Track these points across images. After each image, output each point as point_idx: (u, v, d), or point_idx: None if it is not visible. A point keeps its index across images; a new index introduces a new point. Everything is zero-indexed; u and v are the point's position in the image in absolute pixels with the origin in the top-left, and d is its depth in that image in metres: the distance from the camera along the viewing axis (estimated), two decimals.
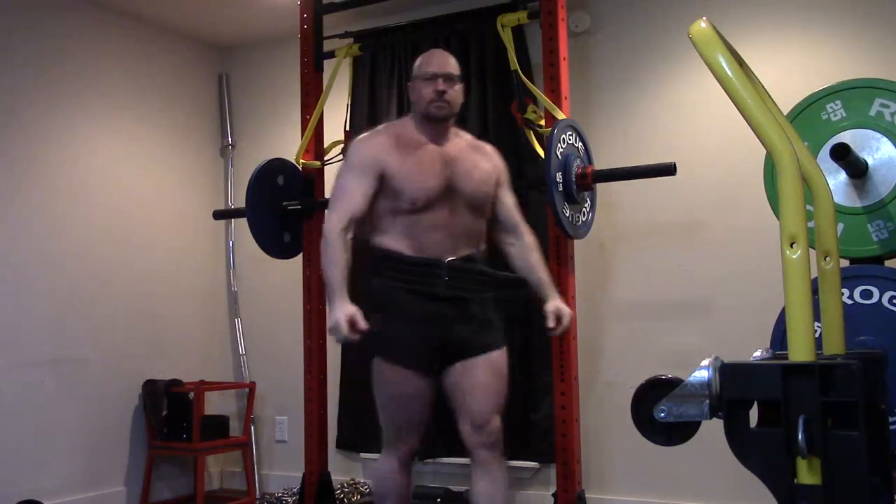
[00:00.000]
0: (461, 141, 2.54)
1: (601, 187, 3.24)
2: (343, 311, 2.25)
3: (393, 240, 2.40)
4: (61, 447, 3.74)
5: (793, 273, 1.36)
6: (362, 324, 2.24)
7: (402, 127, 2.52)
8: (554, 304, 2.49)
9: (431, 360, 2.39)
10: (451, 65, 2.50)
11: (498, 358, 2.46)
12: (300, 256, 3.57)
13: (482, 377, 2.41)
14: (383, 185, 2.39)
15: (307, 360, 3.52)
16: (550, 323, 2.47)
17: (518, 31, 3.47)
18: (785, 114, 2.03)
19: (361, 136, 2.54)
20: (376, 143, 2.45)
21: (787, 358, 1.38)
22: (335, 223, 2.35)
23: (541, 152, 3.06)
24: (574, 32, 3.68)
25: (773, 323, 2.32)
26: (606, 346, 3.59)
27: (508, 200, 2.58)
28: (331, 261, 2.33)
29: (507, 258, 2.59)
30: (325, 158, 3.60)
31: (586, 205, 3.09)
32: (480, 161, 2.51)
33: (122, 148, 4.15)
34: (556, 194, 2.89)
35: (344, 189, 2.40)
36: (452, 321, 2.38)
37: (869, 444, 1.31)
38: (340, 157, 3.58)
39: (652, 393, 1.48)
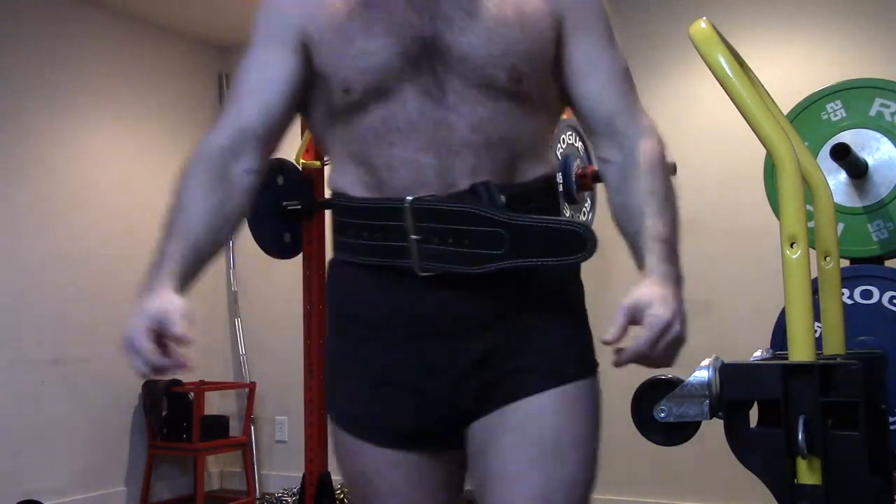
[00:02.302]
0: None
1: (601, 187, 3.24)
2: (138, 315, 1.12)
3: (340, 172, 1.23)
4: (61, 447, 3.74)
5: (793, 273, 1.36)
6: (178, 328, 1.09)
7: None
8: (645, 291, 1.13)
9: (420, 422, 1.20)
10: None
11: (564, 402, 1.22)
12: (300, 256, 3.57)
13: (521, 453, 1.18)
14: (313, 69, 1.22)
15: (307, 360, 3.51)
16: (612, 332, 1.12)
17: None
18: (785, 114, 2.03)
19: None
20: None
21: (787, 358, 1.38)
22: (209, 138, 1.24)
23: None
24: None
25: (773, 323, 2.32)
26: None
27: (601, 67, 1.24)
28: (172, 203, 1.23)
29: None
30: (325, 158, 3.60)
31: (586, 205, 3.09)
32: None
33: (121, 148, 4.15)
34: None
35: (235, 82, 1.27)
36: (452, 330, 1.17)
37: (869, 444, 1.31)
38: None
39: (652, 393, 1.47)
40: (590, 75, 1.24)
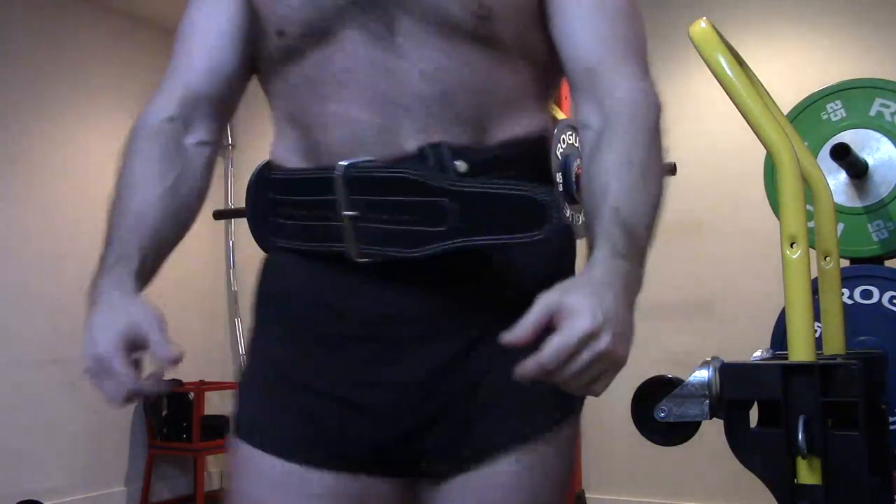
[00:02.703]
0: None
1: None
2: (103, 330, 0.91)
3: (277, 139, 1.05)
4: (61, 447, 3.74)
5: (793, 273, 1.36)
6: (164, 346, 0.89)
7: None
8: (578, 287, 0.83)
9: (352, 437, 0.95)
10: None
11: (533, 471, 0.96)
12: None
13: None
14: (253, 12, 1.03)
15: None
16: (516, 330, 0.79)
17: None
18: (785, 114, 2.03)
19: None
20: None
21: (787, 358, 1.38)
22: (153, 107, 1.08)
23: None
24: None
25: (773, 323, 2.32)
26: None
27: (586, 2, 0.98)
28: (119, 187, 1.07)
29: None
30: None
31: None
32: None
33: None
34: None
35: (178, 39, 1.09)
36: (398, 336, 0.95)
37: (869, 444, 1.31)
38: None
39: (652, 393, 1.47)
40: (572, 13, 0.97)
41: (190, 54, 1.06)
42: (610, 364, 0.80)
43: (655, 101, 0.96)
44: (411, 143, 0.92)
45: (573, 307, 0.79)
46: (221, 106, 1.08)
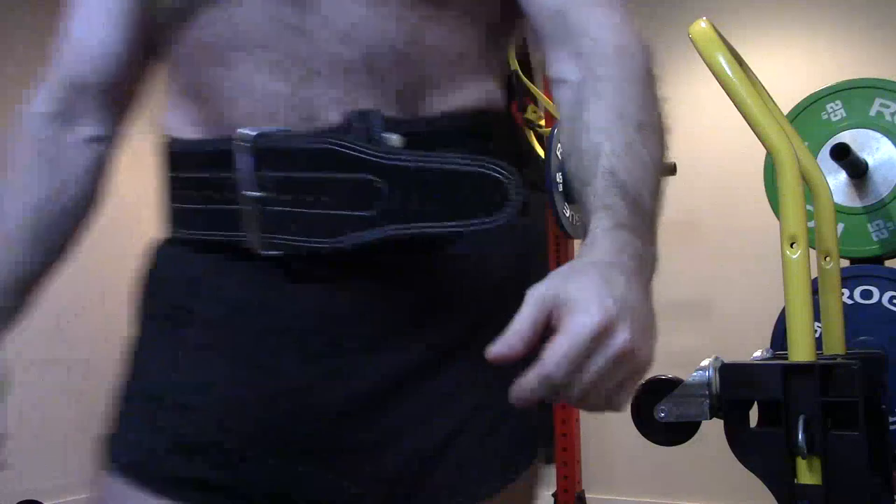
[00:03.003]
0: None
1: None
2: None
3: (171, 110, 0.86)
4: (61, 447, 3.75)
5: (793, 273, 1.36)
6: None
7: None
8: (576, 273, 0.62)
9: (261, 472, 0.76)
10: None
11: None
12: None
13: None
14: None
15: None
16: (506, 338, 0.59)
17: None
18: (785, 114, 2.03)
19: None
20: None
21: (787, 358, 1.38)
22: (31, 105, 0.94)
23: (541, 152, 3.06)
24: None
25: (773, 323, 2.32)
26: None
27: None
28: None
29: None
30: None
31: None
32: None
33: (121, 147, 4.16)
34: (556, 195, 2.89)
35: (64, 20, 0.94)
36: (322, 348, 0.75)
37: (869, 444, 1.31)
38: None
39: (652, 393, 1.47)
40: None
41: (75, 37, 0.91)
42: (632, 368, 0.62)
43: (644, 43, 0.78)
44: (332, 115, 0.75)
45: (577, 298, 0.60)
46: (116, 92, 0.91)
